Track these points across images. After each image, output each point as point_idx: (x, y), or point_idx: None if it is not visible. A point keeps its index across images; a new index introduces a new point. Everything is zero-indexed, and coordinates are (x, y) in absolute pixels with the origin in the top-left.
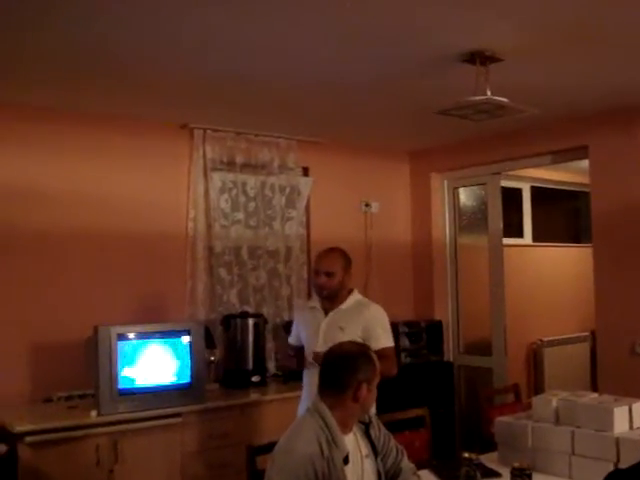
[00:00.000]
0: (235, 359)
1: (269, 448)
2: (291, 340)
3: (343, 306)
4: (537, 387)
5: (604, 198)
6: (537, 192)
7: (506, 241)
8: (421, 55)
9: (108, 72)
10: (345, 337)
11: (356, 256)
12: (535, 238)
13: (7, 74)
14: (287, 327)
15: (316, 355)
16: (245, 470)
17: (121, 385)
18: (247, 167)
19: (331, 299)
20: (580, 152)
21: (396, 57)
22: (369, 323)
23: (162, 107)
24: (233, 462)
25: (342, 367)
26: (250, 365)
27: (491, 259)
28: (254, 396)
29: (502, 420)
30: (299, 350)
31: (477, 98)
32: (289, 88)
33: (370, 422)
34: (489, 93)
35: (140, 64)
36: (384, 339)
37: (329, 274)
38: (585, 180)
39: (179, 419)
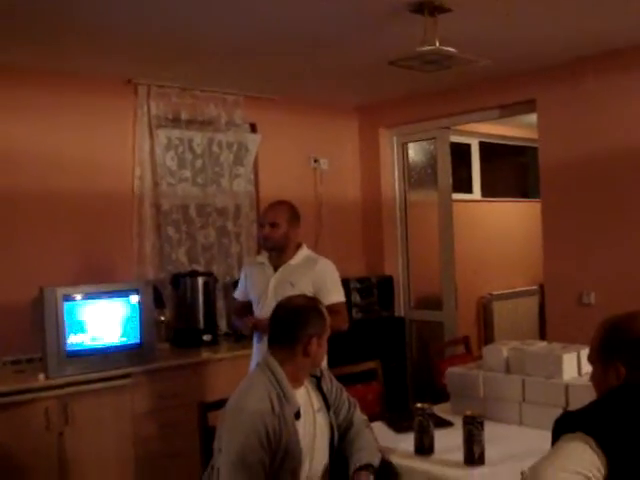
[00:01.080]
0: (185, 318)
1: (221, 404)
2: (237, 295)
3: (292, 261)
4: (487, 340)
5: (552, 152)
6: (486, 147)
7: (455, 196)
8: (369, 6)
9: (48, 25)
10: (295, 292)
11: (306, 213)
12: (484, 193)
13: None
14: (237, 285)
15: (261, 322)
16: (196, 428)
17: (69, 347)
18: (193, 124)
19: (278, 252)
20: (528, 106)
21: (344, 9)
22: (319, 278)
23: (105, 62)
24: (185, 421)
25: (292, 321)
26: (201, 324)
27: (440, 214)
28: (205, 355)
29: (454, 371)
30: (245, 306)
31: (425, 48)
32: (235, 42)
33: (322, 375)
34: (437, 44)
35: (83, 17)
36: (335, 294)
37: (273, 224)
38: (533, 135)
39: (129, 380)
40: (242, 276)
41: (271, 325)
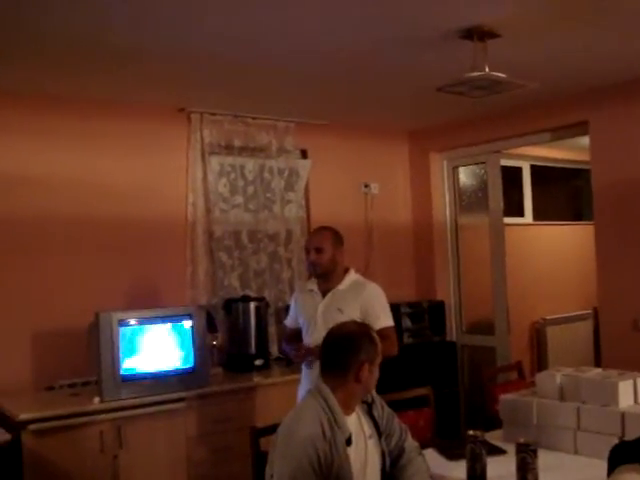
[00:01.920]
0: (237, 343)
1: (273, 429)
2: (288, 322)
3: (340, 287)
4: (540, 366)
5: (605, 174)
6: (537, 171)
7: (507, 220)
8: (419, 32)
9: (104, 57)
10: (344, 319)
11: (357, 238)
12: (536, 217)
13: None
14: (288, 311)
15: (312, 350)
16: (249, 453)
17: (123, 371)
18: (245, 150)
19: (326, 278)
20: (580, 128)
21: (394, 35)
22: (367, 303)
23: (159, 91)
24: (237, 445)
25: (344, 348)
26: (253, 349)
27: (492, 238)
28: (257, 379)
29: (507, 397)
30: (296, 333)
31: (475, 74)
32: (286, 70)
33: (373, 402)
34: (487, 69)
35: (136, 49)
36: (383, 318)
37: (318, 250)
38: (585, 157)
39: (182, 404)
40: (292, 303)
41: (322, 352)
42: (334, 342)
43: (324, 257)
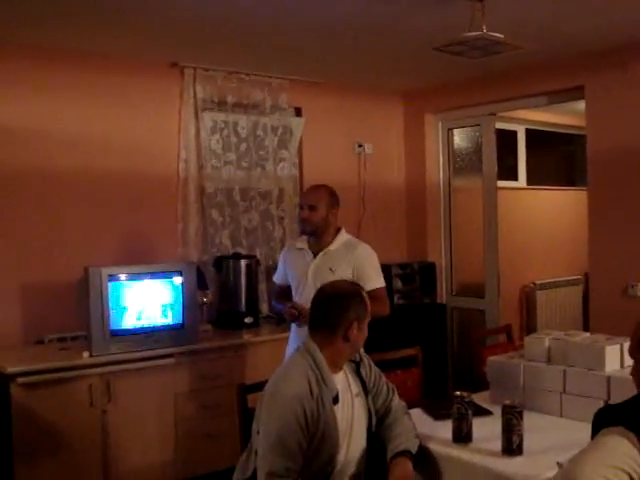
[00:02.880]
0: (228, 301)
1: (260, 386)
2: (276, 279)
3: (332, 247)
4: (529, 329)
5: (599, 139)
6: (532, 135)
7: (500, 184)
8: None
9: (96, 9)
10: (335, 278)
11: (349, 198)
12: (529, 181)
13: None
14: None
15: (304, 310)
16: (237, 410)
17: (113, 326)
18: (238, 107)
19: (316, 237)
20: (576, 93)
21: None
22: (359, 263)
23: (152, 45)
24: (225, 402)
25: (333, 306)
26: (243, 307)
27: (485, 202)
28: (247, 337)
29: (494, 359)
30: (285, 290)
31: (472, 34)
32: (281, 26)
33: (361, 361)
34: (484, 29)
35: (129, 1)
36: (375, 279)
37: (312, 207)
38: (580, 123)
39: (171, 360)
40: (281, 260)
41: (312, 309)
42: (324, 300)
43: (317, 215)
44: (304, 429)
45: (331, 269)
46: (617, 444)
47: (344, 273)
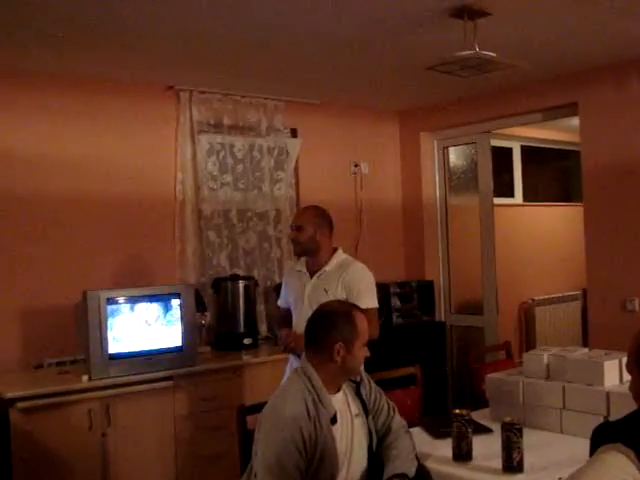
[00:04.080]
0: (226, 322)
1: (260, 408)
2: (280, 302)
3: (327, 267)
4: (529, 346)
5: (594, 155)
6: (527, 152)
7: (497, 201)
8: (409, 11)
9: (92, 33)
10: (330, 299)
11: (346, 217)
12: (526, 198)
13: None
14: (278, 289)
15: (295, 337)
16: (236, 431)
17: (112, 349)
18: (234, 129)
19: (311, 258)
20: (570, 109)
21: (384, 13)
22: (351, 282)
23: (147, 69)
24: (225, 424)
25: (319, 326)
26: (241, 328)
27: (482, 219)
28: (246, 358)
29: (493, 376)
30: (288, 314)
31: (465, 53)
32: (276, 48)
33: (361, 381)
34: (477, 48)
35: (124, 25)
36: (365, 299)
37: (298, 228)
38: (575, 139)
39: (171, 382)
40: (283, 283)
41: (305, 330)
42: (312, 320)
43: (303, 235)
44: (302, 451)
45: (325, 290)
46: (615, 461)
47: (336, 293)
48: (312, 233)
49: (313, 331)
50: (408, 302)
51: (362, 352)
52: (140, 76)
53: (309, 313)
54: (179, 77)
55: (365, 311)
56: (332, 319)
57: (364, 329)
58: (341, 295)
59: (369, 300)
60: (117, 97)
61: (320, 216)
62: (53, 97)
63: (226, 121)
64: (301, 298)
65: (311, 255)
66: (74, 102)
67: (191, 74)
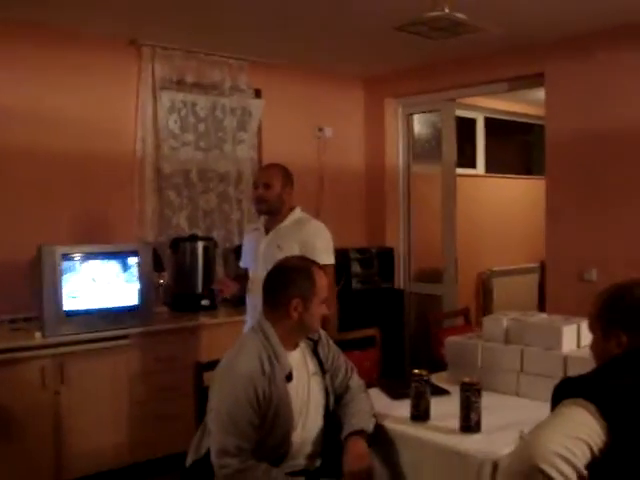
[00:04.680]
0: (184, 283)
1: (216, 365)
2: (241, 263)
3: (283, 224)
4: (486, 315)
5: (559, 127)
6: (491, 123)
7: (459, 171)
8: None
9: None
10: (282, 255)
11: (308, 182)
12: (488, 169)
13: None
14: (237, 251)
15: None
16: (191, 392)
17: (66, 306)
18: (197, 87)
19: (272, 217)
20: (536, 79)
21: None
22: (307, 239)
23: (110, 21)
24: (180, 385)
25: (277, 281)
26: (200, 289)
27: (444, 188)
28: (203, 319)
29: (453, 340)
30: (245, 273)
31: (435, 13)
32: (240, 5)
33: (319, 339)
34: (447, 10)
35: None
36: (322, 256)
37: (266, 185)
38: (538, 112)
39: (126, 341)
40: (243, 244)
41: (263, 285)
42: (270, 275)
43: (271, 193)
44: (255, 407)
45: (279, 246)
46: (577, 415)
47: (291, 249)
48: (279, 191)
49: (270, 286)
50: (368, 268)
51: (320, 309)
52: (102, 29)
53: (262, 269)
54: (142, 31)
55: (324, 267)
56: (290, 275)
57: (323, 286)
58: (295, 251)
59: (327, 257)
60: (78, 50)
61: (286, 174)
62: (10, 47)
63: (189, 79)
64: (256, 254)
65: (274, 213)
66: (32, 54)
67: (154, 28)
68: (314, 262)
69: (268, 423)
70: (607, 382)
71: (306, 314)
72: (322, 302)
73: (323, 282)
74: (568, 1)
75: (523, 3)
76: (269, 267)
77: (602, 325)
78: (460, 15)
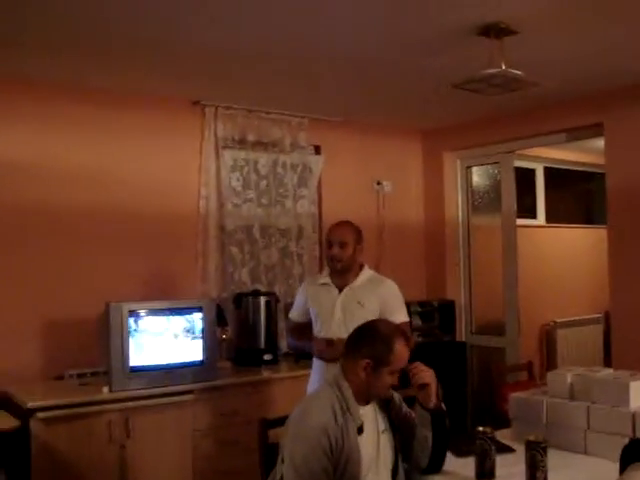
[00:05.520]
0: (247, 337)
1: (282, 421)
2: (294, 316)
3: (357, 282)
4: (550, 368)
5: (619, 177)
6: (551, 173)
7: (519, 222)
8: (436, 29)
9: (118, 47)
10: (365, 312)
11: (368, 235)
12: (548, 219)
13: (15, 47)
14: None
15: (334, 342)
16: (256, 447)
17: (133, 362)
18: (259, 145)
19: (343, 274)
20: (595, 130)
21: (411, 31)
22: (386, 298)
23: (173, 83)
24: (244, 439)
25: (358, 338)
26: (262, 343)
27: (504, 239)
28: (266, 374)
29: (517, 396)
30: (303, 327)
31: (491, 71)
32: (301, 64)
33: (392, 400)
34: (503, 66)
35: (150, 40)
36: (402, 314)
37: (342, 244)
38: (598, 161)
39: (191, 396)
40: (301, 297)
41: (349, 337)
42: (355, 331)
43: (347, 252)
44: (329, 456)
45: (359, 302)
46: None
47: (372, 306)
48: (353, 250)
49: (352, 342)
50: (429, 321)
51: (390, 378)
52: (166, 91)
53: (341, 324)
54: (205, 92)
55: (401, 325)
56: (371, 334)
57: (401, 358)
58: (376, 308)
59: (404, 315)
60: (144, 112)
61: (358, 232)
62: (81, 111)
63: (250, 137)
64: (331, 312)
65: (347, 271)
66: (102, 117)
67: (216, 89)
68: (403, 333)
69: (338, 474)
70: None
71: (373, 378)
72: (394, 373)
73: (403, 354)
74: (620, 54)
75: (578, 56)
76: (348, 323)
77: None
78: (515, 71)
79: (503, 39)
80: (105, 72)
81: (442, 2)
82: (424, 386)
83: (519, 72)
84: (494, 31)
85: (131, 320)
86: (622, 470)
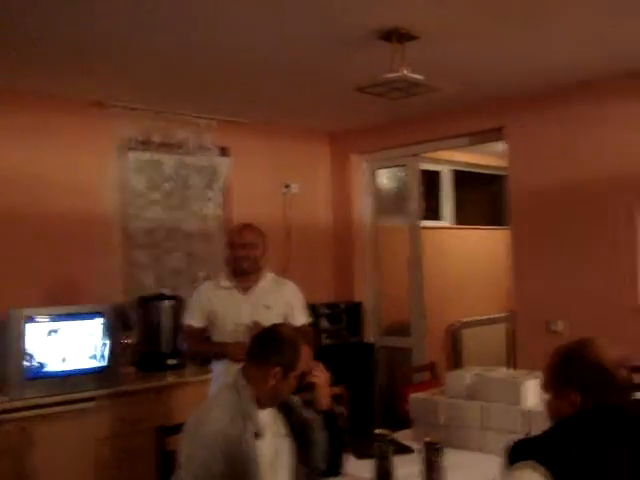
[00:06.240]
0: (151, 342)
1: (180, 429)
2: (194, 322)
3: (260, 284)
4: (455, 367)
5: (521, 179)
6: (459, 175)
7: (425, 223)
8: (339, 33)
9: (16, 44)
10: (272, 315)
11: (276, 237)
12: (458, 221)
13: None
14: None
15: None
16: (154, 452)
17: (31, 369)
18: (163, 147)
19: (248, 276)
20: (496, 134)
21: (313, 35)
22: (290, 299)
23: (77, 83)
24: (147, 447)
25: (267, 345)
26: (166, 348)
27: (410, 241)
28: (170, 379)
29: (416, 396)
30: (202, 332)
31: (391, 75)
32: (207, 66)
33: (290, 402)
34: (405, 71)
35: (53, 38)
36: (304, 315)
37: (253, 245)
38: (502, 163)
39: (92, 403)
40: (198, 302)
41: (251, 344)
42: (262, 336)
43: (257, 253)
44: (227, 461)
45: (266, 306)
46: (527, 477)
47: (279, 309)
48: (262, 252)
49: (259, 347)
50: (337, 323)
51: (294, 382)
52: (69, 91)
53: (246, 328)
54: (109, 92)
55: (305, 326)
56: (281, 343)
57: (305, 363)
58: (281, 311)
59: (307, 316)
60: (45, 112)
61: (264, 235)
62: None
63: (155, 138)
64: (234, 314)
65: (252, 272)
66: (4, 117)
67: (122, 90)
68: (304, 335)
69: (236, 479)
70: (558, 444)
71: (282, 384)
72: (297, 376)
73: (307, 357)
74: (519, 61)
75: (478, 61)
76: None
77: (555, 385)
78: (416, 76)
79: (405, 44)
80: (3, 70)
81: (343, 5)
82: (312, 386)
83: (420, 77)
84: (395, 36)
85: (29, 326)
86: (507, 467)
